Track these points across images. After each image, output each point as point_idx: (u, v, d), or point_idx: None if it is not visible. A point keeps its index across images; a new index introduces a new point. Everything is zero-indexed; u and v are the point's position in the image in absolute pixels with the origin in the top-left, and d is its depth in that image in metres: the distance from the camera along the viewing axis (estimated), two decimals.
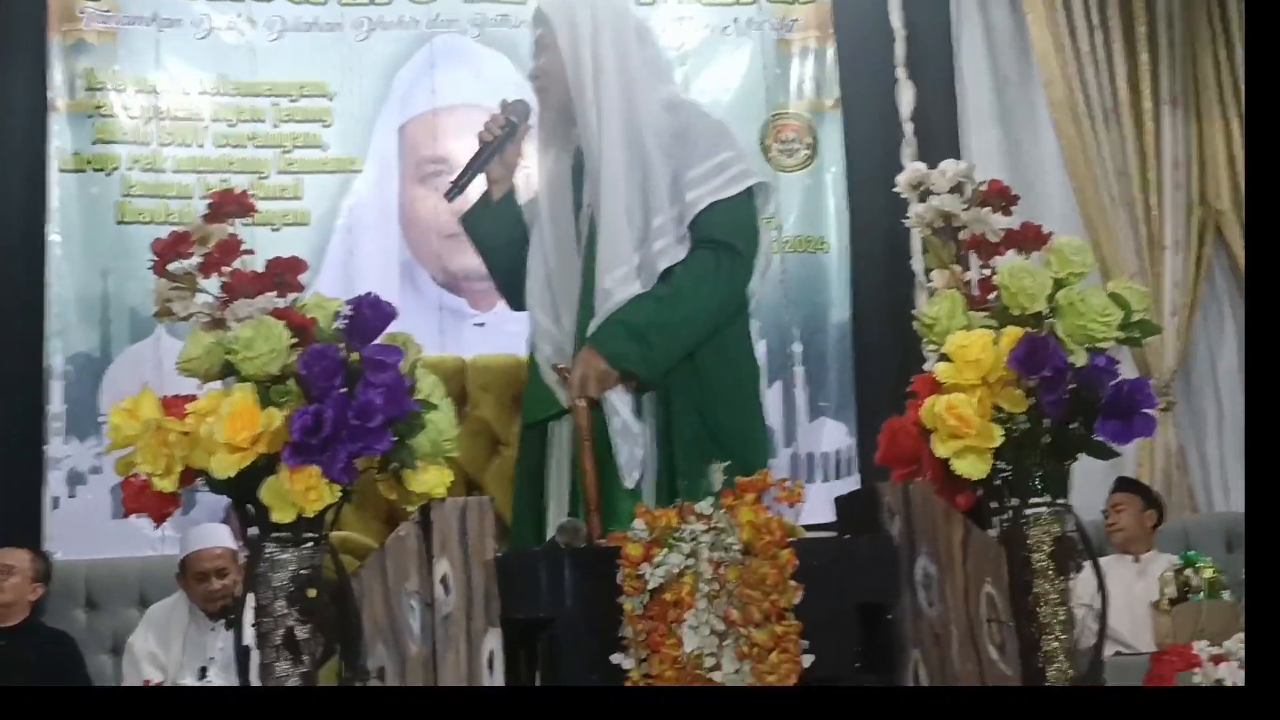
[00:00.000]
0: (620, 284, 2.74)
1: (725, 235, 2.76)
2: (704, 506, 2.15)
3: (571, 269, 2.86)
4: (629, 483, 2.73)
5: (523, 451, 2.93)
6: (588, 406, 2.70)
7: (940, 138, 5.61)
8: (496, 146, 2.92)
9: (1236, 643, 2.80)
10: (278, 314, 2.15)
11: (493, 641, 2.16)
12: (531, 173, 3.00)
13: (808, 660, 2.11)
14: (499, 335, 5.09)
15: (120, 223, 5.13)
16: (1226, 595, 3.85)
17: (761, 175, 2.84)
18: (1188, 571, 3.78)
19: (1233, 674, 2.72)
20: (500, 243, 2.98)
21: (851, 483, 5.36)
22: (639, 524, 2.14)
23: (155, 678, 4.09)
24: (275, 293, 2.21)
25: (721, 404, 2.78)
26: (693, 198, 2.76)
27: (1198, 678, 2.71)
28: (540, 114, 2.93)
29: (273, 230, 5.10)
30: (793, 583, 2.12)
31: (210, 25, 5.32)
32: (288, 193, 5.29)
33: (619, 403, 2.73)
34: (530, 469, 2.88)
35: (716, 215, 2.76)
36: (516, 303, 3.00)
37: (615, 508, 2.66)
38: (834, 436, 5.49)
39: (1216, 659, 2.74)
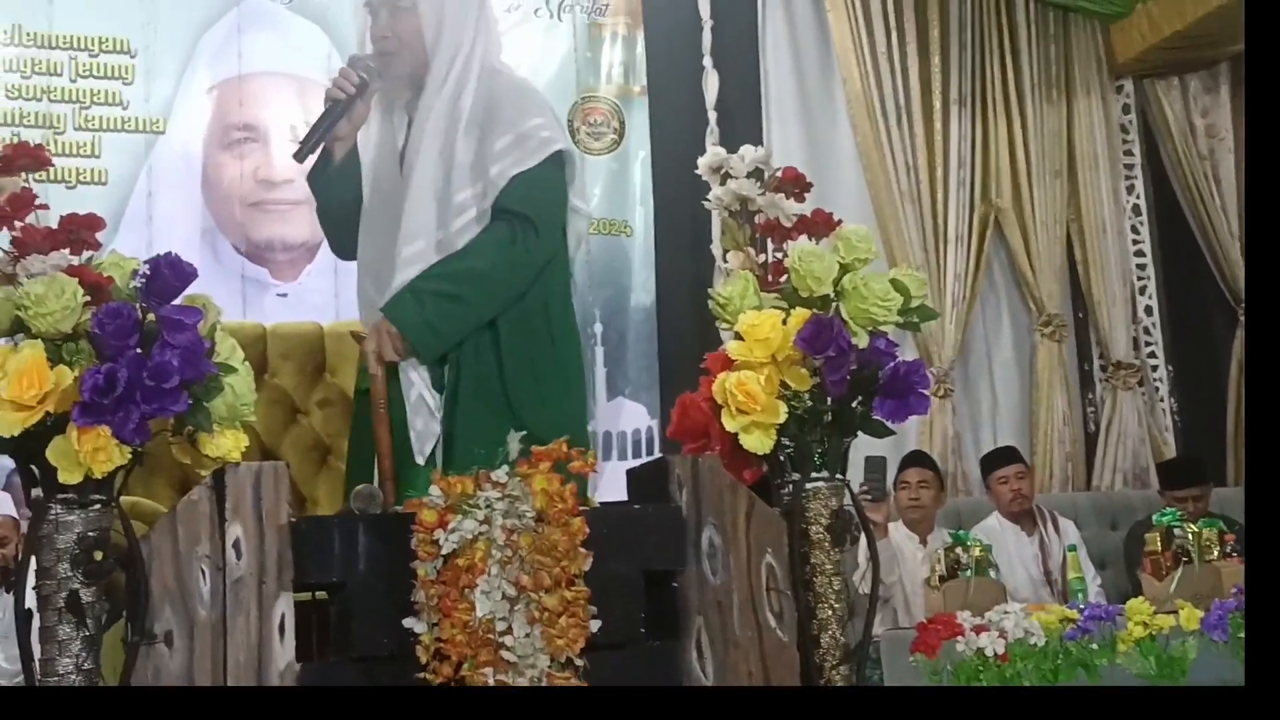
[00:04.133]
0: (417, 257, 2.74)
1: (521, 206, 2.75)
2: (499, 474, 2.19)
3: (392, 238, 2.82)
4: (419, 458, 2.73)
5: (356, 416, 2.89)
6: (384, 375, 2.70)
7: (743, 126, 5.73)
8: (347, 105, 2.81)
9: (998, 613, 2.97)
10: (72, 271, 2.12)
11: (284, 606, 2.17)
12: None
13: (595, 625, 2.19)
14: (302, 306, 5.04)
15: None
16: (993, 574, 4.06)
17: (563, 142, 2.82)
18: (958, 549, 3.98)
19: (993, 642, 2.87)
20: (335, 202, 2.91)
21: None
22: (435, 490, 2.17)
23: None
24: (70, 250, 2.17)
25: (519, 373, 2.77)
26: (496, 172, 2.75)
27: (961, 645, 2.86)
28: (383, 77, 2.85)
29: (68, 188, 4.94)
30: (583, 550, 2.19)
31: None
32: (85, 150, 5.12)
33: (416, 374, 2.74)
34: (365, 434, 2.81)
35: (516, 186, 2.75)
36: (345, 254, 2.99)
37: (411, 479, 2.68)
38: (632, 417, 5.60)
39: (978, 629, 2.89)
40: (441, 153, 2.78)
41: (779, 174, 2.71)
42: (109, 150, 5.16)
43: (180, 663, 2.12)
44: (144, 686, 2.08)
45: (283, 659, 2.15)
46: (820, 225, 2.64)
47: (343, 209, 2.91)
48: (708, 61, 5.80)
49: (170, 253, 2.13)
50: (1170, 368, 6.16)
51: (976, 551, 3.86)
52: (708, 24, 5.82)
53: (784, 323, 2.45)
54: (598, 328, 5.59)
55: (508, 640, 2.13)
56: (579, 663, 2.16)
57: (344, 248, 2.97)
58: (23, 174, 2.22)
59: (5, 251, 2.17)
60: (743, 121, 5.78)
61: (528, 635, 2.14)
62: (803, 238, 2.66)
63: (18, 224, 2.16)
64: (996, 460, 5.28)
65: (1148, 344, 6.14)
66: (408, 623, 2.14)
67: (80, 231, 2.18)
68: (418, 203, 2.76)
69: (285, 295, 5.22)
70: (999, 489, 5.15)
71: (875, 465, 4.19)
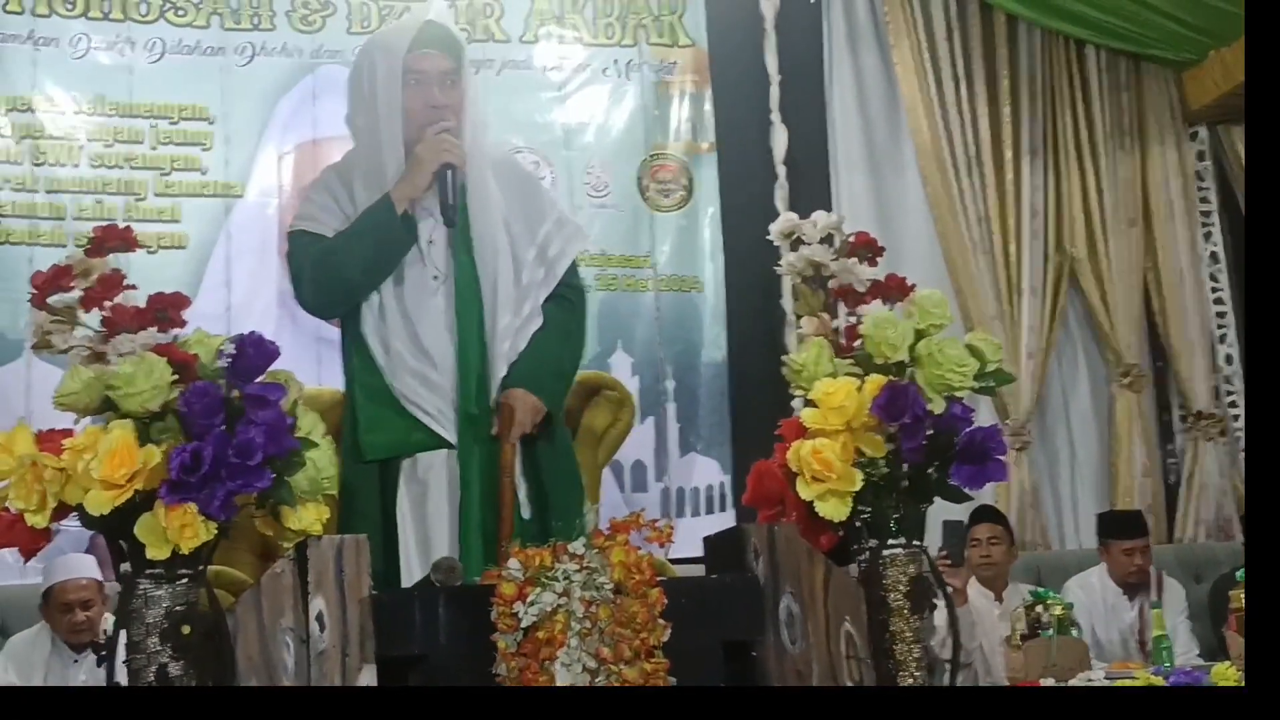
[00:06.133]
0: (510, 329, 2.86)
1: (576, 280, 3.04)
2: (577, 546, 2.21)
3: (429, 305, 2.87)
4: (526, 513, 2.82)
5: (355, 487, 2.82)
6: (515, 445, 2.81)
7: (812, 181, 5.75)
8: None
9: (1082, 680, 2.92)
10: (159, 350, 2.17)
11: (367, 678, 2.19)
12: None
13: None
14: None
15: None
16: (1075, 632, 4.00)
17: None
18: (1038, 608, 3.93)
19: None
20: (383, 259, 2.88)
21: (725, 518, 5.45)
22: (514, 563, 2.19)
23: None
24: (157, 328, 2.22)
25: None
26: (556, 252, 2.96)
27: None
28: None
29: (149, 253, 5.03)
30: (661, 621, 2.19)
31: (88, 45, 5.25)
32: (165, 215, 5.23)
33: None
34: (368, 507, 2.83)
35: (574, 264, 3.02)
36: (332, 311, 2.99)
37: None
38: (705, 472, 5.59)
39: None
40: (503, 228, 2.92)
41: (851, 239, 2.71)
42: (189, 215, 5.26)
43: None
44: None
45: None
46: (894, 290, 2.64)
47: (382, 269, 2.88)
48: (775, 117, 5.81)
49: (254, 332, 2.17)
50: None
51: (1058, 610, 3.81)
52: (775, 79, 5.83)
53: (859, 390, 2.45)
54: (669, 384, 5.60)
55: None
56: None
57: (337, 305, 2.94)
58: (112, 254, 2.28)
59: (96, 331, 2.23)
60: (811, 176, 5.78)
61: None
62: (876, 302, 2.66)
63: (107, 304, 2.21)
64: (1122, 529, 5.07)
65: (1229, 393, 6.03)
66: None
67: (166, 310, 2.24)
68: (505, 275, 2.89)
69: None
70: (1120, 559, 4.97)
71: (953, 530, 4.14)
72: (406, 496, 2.83)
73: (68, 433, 2.16)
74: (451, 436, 2.83)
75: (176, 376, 2.14)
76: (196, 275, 5.15)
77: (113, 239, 2.25)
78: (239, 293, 5.17)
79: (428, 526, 2.82)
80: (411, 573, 2.76)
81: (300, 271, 2.93)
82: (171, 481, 2.05)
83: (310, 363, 4.95)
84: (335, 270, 2.88)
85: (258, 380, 2.17)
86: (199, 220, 5.27)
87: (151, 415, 2.12)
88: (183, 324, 2.27)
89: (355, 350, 2.90)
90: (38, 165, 5.12)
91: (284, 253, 3.15)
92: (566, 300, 2.99)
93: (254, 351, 2.13)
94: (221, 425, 2.11)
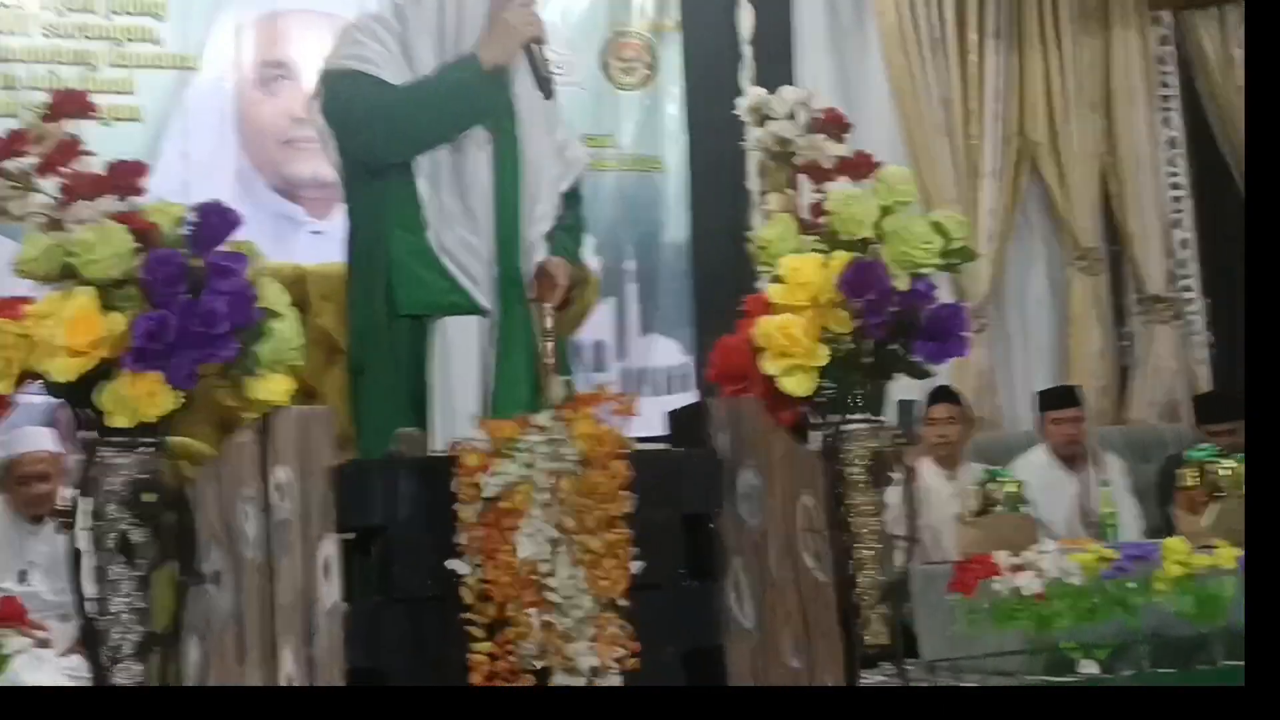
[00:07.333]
0: (544, 215, 2.89)
1: (581, 191, 3.07)
2: (542, 418, 2.22)
3: (476, 168, 2.86)
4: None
5: (387, 341, 2.85)
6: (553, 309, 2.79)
7: (775, 62, 5.69)
8: None
9: (1035, 553, 2.98)
10: (119, 218, 2.14)
11: (328, 548, 2.20)
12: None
13: (636, 567, 2.22)
14: (335, 244, 5.03)
15: None
16: (1025, 509, 4.08)
17: None
18: (990, 485, 4.00)
19: (1030, 583, 2.89)
20: (465, 115, 2.86)
21: (687, 399, 5.47)
22: (480, 434, 2.20)
23: None
24: (116, 196, 2.19)
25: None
26: (573, 157, 3.02)
27: (997, 585, 2.88)
28: None
29: (103, 125, 4.91)
30: (624, 493, 2.22)
31: None
32: (119, 87, 5.12)
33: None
34: (399, 361, 2.84)
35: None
36: (392, 154, 2.86)
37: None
38: (665, 353, 5.62)
39: (1015, 568, 2.91)
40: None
41: (819, 115, 2.70)
42: (144, 87, 5.15)
43: (229, 603, 2.15)
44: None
45: (328, 599, 2.19)
46: (861, 167, 2.64)
47: (455, 126, 2.86)
48: None
49: (216, 200, 2.15)
50: (1208, 300, 6.12)
51: (1011, 487, 3.88)
52: None
53: (825, 266, 2.46)
54: (631, 264, 5.59)
55: (551, 582, 2.16)
56: (622, 603, 2.19)
57: (403, 151, 2.86)
58: (69, 120, 2.23)
59: (53, 198, 2.19)
60: (775, 56, 5.72)
61: (571, 577, 2.17)
62: (843, 179, 2.66)
63: (64, 170, 2.18)
64: (1055, 400, 5.20)
65: (1183, 278, 6.09)
66: (451, 564, 2.17)
67: (126, 178, 2.20)
68: (546, 151, 2.92)
69: (319, 233, 5.22)
70: (1053, 429, 5.10)
71: (906, 409, 4.17)
72: (437, 358, 2.82)
73: (27, 300, 2.14)
74: (487, 303, 2.83)
75: (138, 244, 2.12)
76: (153, 149, 5.04)
77: (70, 105, 2.21)
78: (195, 167, 5.09)
79: (451, 390, 2.80)
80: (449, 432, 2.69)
81: (363, 113, 2.83)
82: (137, 349, 2.04)
83: (268, 240, 4.89)
84: (412, 118, 2.84)
85: (220, 249, 2.15)
86: (154, 93, 5.16)
87: (113, 283, 2.10)
88: (142, 192, 2.23)
89: (401, 202, 2.84)
90: None
91: (312, 94, 2.92)
92: (572, 205, 3.03)
93: (217, 220, 2.11)
94: (185, 294, 2.10)
